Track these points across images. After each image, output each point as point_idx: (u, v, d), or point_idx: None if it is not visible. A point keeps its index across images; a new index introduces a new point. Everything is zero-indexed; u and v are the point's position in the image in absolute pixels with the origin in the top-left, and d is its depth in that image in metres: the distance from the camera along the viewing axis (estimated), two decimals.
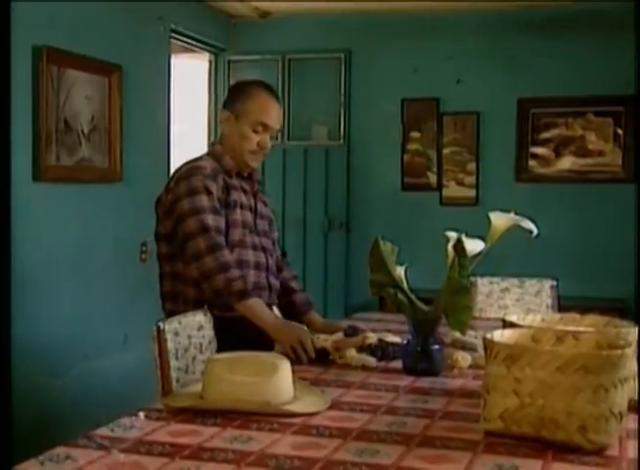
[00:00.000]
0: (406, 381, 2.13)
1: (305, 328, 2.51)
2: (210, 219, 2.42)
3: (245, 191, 2.64)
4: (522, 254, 4.69)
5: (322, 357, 2.37)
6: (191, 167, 2.53)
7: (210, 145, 2.71)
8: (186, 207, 2.43)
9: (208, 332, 2.41)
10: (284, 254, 2.87)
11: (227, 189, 2.54)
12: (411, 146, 5.46)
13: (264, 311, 2.41)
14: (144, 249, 4.18)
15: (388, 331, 2.63)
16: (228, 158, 2.61)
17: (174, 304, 2.52)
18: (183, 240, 2.44)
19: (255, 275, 2.57)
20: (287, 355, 2.03)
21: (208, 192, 2.45)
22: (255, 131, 2.58)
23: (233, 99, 2.65)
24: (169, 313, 2.46)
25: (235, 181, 2.61)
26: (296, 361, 2.24)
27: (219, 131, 2.72)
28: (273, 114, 2.61)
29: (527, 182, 5.25)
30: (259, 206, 2.70)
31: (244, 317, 2.53)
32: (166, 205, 2.52)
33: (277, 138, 5.57)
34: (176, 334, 2.25)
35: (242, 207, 2.58)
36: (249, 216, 2.61)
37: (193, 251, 2.41)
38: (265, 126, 2.59)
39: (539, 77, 5.18)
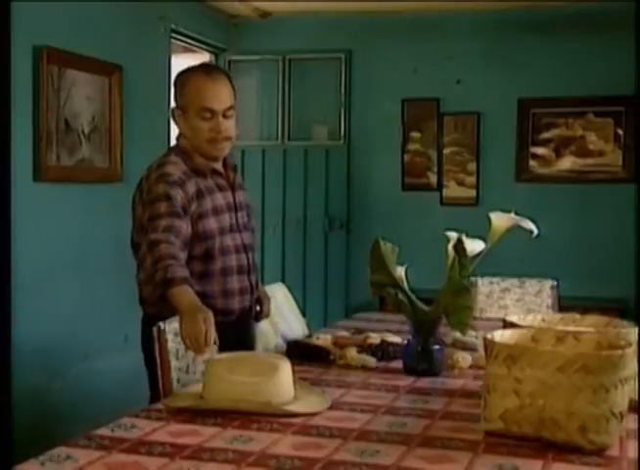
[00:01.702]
0: (406, 381, 2.13)
1: (211, 319, 2.21)
2: (162, 225, 2.29)
3: (221, 189, 2.51)
4: (522, 254, 4.69)
5: (322, 357, 2.37)
6: (159, 176, 2.38)
7: (176, 139, 2.55)
8: (145, 217, 2.34)
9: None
10: None
11: (199, 195, 2.41)
12: (411, 146, 5.45)
13: (181, 299, 2.20)
14: None
15: (389, 331, 2.64)
16: (199, 155, 2.48)
17: (155, 307, 2.43)
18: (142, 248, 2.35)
19: (239, 280, 2.49)
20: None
21: (167, 198, 2.32)
22: (203, 118, 2.44)
23: (176, 93, 2.53)
24: (151, 317, 2.39)
25: (210, 181, 2.48)
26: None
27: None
28: (214, 94, 2.44)
29: (528, 182, 5.24)
30: (238, 196, 2.58)
31: (242, 319, 2.52)
32: (133, 211, 2.46)
33: (279, 139, 5.58)
34: (177, 334, 2.25)
35: (218, 212, 2.46)
36: (227, 219, 2.48)
37: (138, 256, 2.35)
38: (211, 110, 2.42)
39: (539, 77, 5.18)
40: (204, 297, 2.37)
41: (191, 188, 2.38)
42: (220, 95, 2.46)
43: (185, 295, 2.19)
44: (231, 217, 2.51)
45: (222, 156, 2.54)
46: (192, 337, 2.08)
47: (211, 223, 2.42)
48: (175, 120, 2.52)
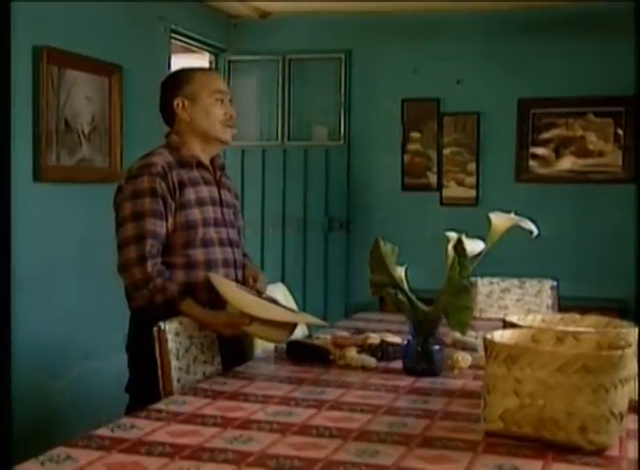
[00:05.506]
0: (406, 381, 2.13)
1: (226, 312, 2.36)
2: (149, 224, 2.34)
3: (207, 182, 2.53)
4: (522, 254, 4.69)
5: (322, 357, 2.37)
6: (142, 165, 2.42)
7: (166, 136, 2.58)
8: (127, 210, 2.37)
9: (210, 332, 2.40)
10: (244, 254, 2.71)
11: (182, 186, 2.42)
12: (411, 146, 5.45)
13: (193, 315, 2.35)
14: None
15: (388, 331, 2.64)
16: (187, 148, 2.51)
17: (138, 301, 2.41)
18: (119, 245, 2.37)
19: (225, 273, 2.48)
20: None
21: (153, 193, 2.36)
22: (217, 101, 2.52)
23: (176, 86, 2.54)
24: (136, 311, 2.42)
25: (195, 173, 2.50)
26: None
27: (176, 122, 2.55)
28: (221, 82, 2.62)
29: (527, 182, 5.24)
30: (224, 194, 2.59)
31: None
32: (115, 204, 2.45)
33: (279, 139, 5.59)
34: (177, 334, 2.25)
35: (202, 203, 2.47)
36: (210, 212, 2.48)
37: (124, 259, 2.34)
38: (223, 92, 2.54)
39: (539, 77, 5.18)
40: (188, 289, 2.37)
41: (174, 179, 2.42)
42: (225, 84, 2.65)
43: (192, 306, 2.35)
44: (215, 211, 2.52)
45: (231, 141, 2.62)
46: (227, 330, 2.34)
47: (195, 214, 2.44)
48: (180, 112, 2.53)
